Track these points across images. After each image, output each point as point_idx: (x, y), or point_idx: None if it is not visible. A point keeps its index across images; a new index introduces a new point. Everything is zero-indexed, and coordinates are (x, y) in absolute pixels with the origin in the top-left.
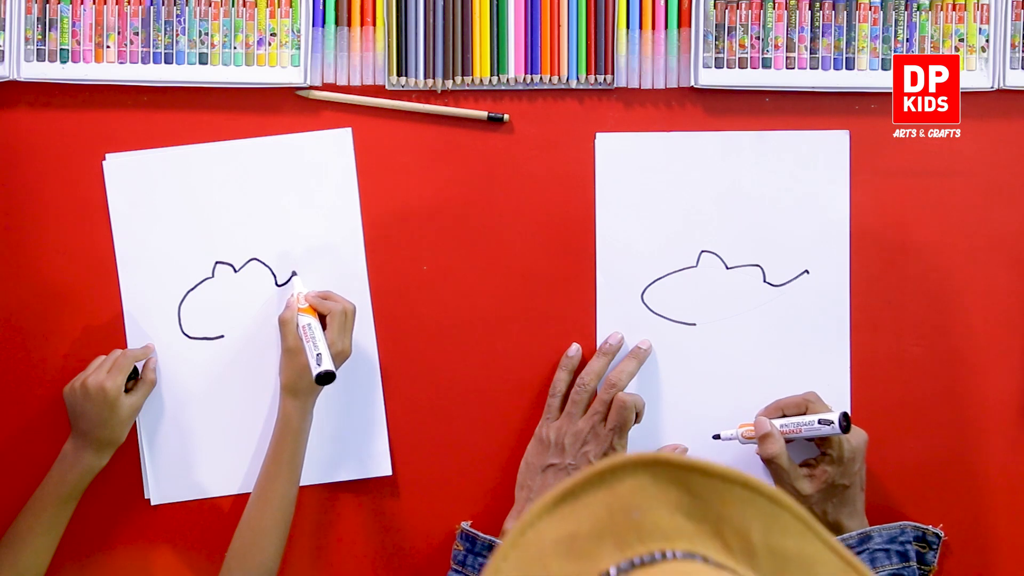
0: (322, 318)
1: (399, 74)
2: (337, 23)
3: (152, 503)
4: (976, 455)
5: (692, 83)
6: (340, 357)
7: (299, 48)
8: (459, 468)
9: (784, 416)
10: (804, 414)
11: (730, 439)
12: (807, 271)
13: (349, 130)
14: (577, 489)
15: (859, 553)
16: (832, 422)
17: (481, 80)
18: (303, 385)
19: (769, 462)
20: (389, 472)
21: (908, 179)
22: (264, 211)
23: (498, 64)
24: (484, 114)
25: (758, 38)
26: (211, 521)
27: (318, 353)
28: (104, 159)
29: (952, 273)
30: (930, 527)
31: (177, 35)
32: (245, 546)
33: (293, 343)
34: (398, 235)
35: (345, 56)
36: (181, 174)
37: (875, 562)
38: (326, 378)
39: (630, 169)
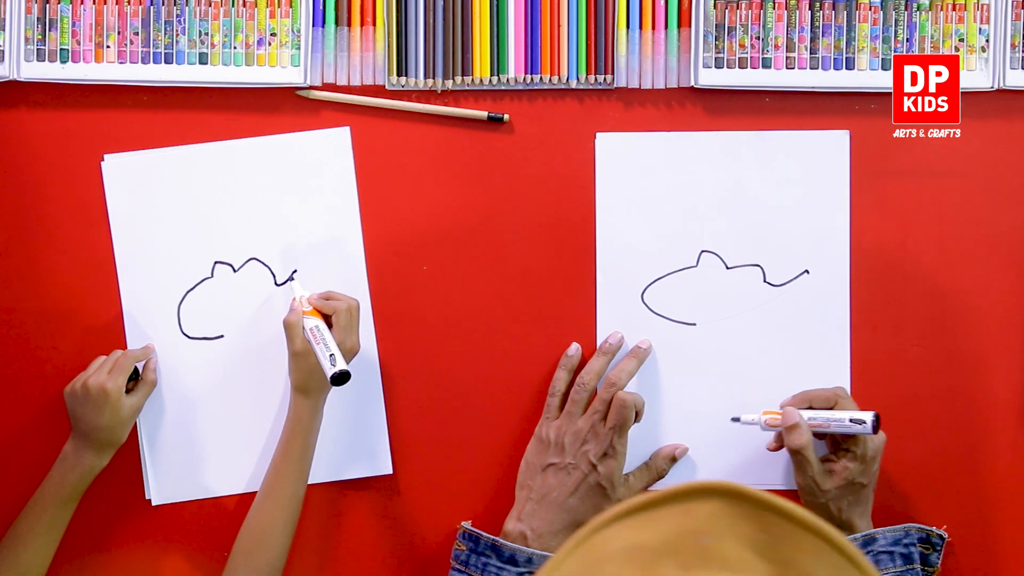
0: (326, 318)
1: (399, 74)
2: (337, 23)
3: (153, 503)
4: (976, 455)
5: (692, 83)
6: (349, 354)
7: (299, 48)
8: (459, 468)
9: (811, 408)
10: (832, 408)
11: (751, 423)
12: (807, 271)
13: (347, 129)
14: (653, 503)
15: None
16: (864, 422)
17: (481, 80)
18: (314, 385)
19: (795, 453)
20: (390, 471)
21: (908, 179)
22: (263, 211)
23: (498, 64)
24: (484, 114)
25: (758, 38)
26: (212, 521)
27: (331, 354)
28: (103, 160)
29: (952, 273)
30: (934, 528)
31: (177, 35)
32: (252, 544)
33: (301, 346)
34: (398, 235)
35: (345, 56)
36: (180, 174)
37: (879, 564)
38: (342, 378)
39: (630, 169)
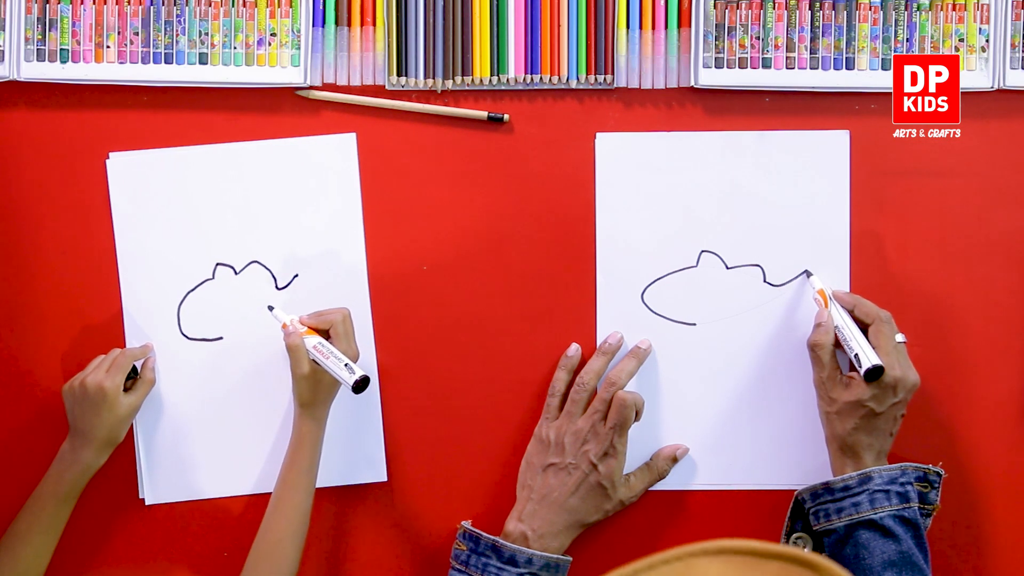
0: (324, 333)
1: (399, 74)
2: (337, 23)
3: (147, 503)
4: (975, 455)
5: (692, 83)
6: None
7: (299, 48)
8: (459, 468)
9: (851, 314)
10: (868, 326)
11: (813, 286)
12: (807, 271)
13: (353, 135)
14: (762, 553)
15: (859, 494)
16: (862, 365)
17: (481, 80)
18: (320, 399)
19: (810, 349)
20: (385, 476)
21: (908, 179)
22: (266, 214)
23: (498, 64)
24: (484, 114)
25: (758, 38)
26: (206, 522)
27: (345, 363)
28: (108, 158)
29: (952, 273)
30: (931, 466)
31: (177, 35)
32: (263, 556)
33: (309, 367)
34: (398, 235)
35: (345, 56)
36: (184, 175)
37: (875, 502)
38: (364, 383)
39: (630, 169)
